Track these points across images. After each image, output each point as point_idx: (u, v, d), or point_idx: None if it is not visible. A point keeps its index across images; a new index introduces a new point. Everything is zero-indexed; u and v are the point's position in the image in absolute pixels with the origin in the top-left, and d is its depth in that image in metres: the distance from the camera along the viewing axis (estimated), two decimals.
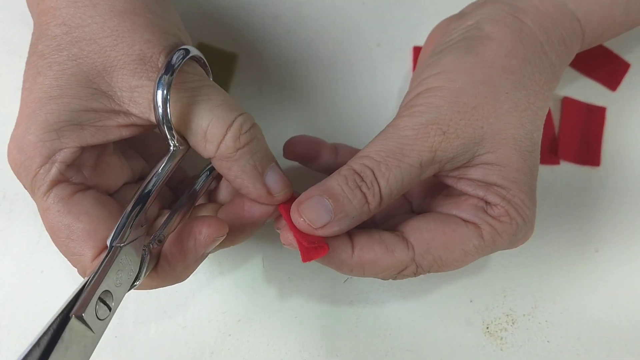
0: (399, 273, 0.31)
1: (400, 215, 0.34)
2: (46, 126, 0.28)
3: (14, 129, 0.29)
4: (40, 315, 0.37)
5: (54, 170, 0.28)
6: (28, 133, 0.28)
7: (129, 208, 0.29)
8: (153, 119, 0.29)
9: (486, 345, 0.38)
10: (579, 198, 0.41)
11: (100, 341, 0.36)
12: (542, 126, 0.33)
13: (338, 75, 0.43)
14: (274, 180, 0.31)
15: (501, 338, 0.38)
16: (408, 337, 0.38)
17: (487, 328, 0.38)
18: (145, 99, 0.29)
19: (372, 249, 0.30)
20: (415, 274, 0.31)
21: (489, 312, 0.38)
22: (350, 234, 0.31)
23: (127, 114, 0.29)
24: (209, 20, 0.44)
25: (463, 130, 0.30)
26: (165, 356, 0.36)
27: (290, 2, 0.44)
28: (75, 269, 0.30)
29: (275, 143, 0.41)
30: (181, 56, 0.29)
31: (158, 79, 0.28)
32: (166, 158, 0.29)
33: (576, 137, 0.42)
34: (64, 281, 0.37)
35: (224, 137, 0.29)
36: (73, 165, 0.29)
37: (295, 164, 0.37)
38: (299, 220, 0.29)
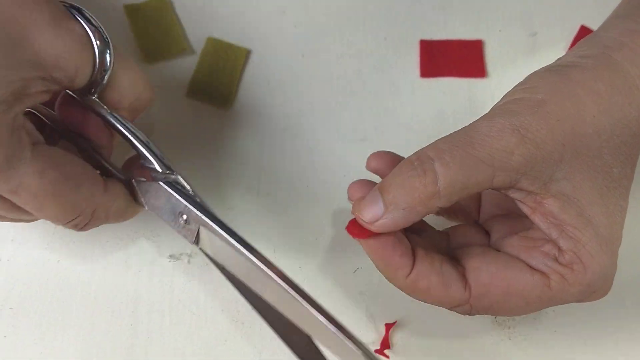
0: (451, 308, 0.30)
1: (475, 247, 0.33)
2: None
3: None
4: (56, 304, 0.37)
5: (23, 135, 0.27)
6: None
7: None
8: (79, 83, 0.30)
9: (494, 335, 0.38)
10: None
11: (116, 330, 0.37)
12: (627, 164, 0.30)
13: (345, 69, 0.43)
14: None
15: (509, 327, 0.38)
16: (417, 327, 0.38)
17: (496, 318, 0.38)
18: (73, 65, 0.29)
19: (429, 278, 0.29)
20: (470, 313, 0.30)
21: None
22: (415, 254, 0.30)
23: (50, 80, 0.28)
24: (217, 15, 0.44)
25: (543, 141, 0.28)
26: (180, 344, 0.37)
27: None
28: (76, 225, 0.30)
29: (283, 137, 0.42)
30: (90, 16, 0.30)
31: (104, 48, 0.30)
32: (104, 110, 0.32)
33: None
34: (78, 271, 0.38)
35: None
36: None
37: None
38: (356, 216, 0.30)
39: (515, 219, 0.34)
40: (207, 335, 0.37)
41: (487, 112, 0.31)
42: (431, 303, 0.31)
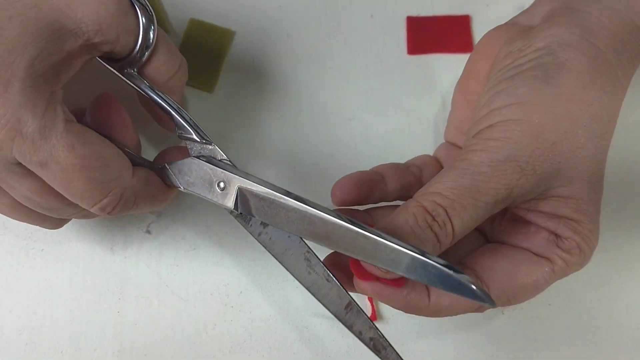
0: (475, 311, 0.31)
1: (467, 242, 0.34)
2: (33, 72, 0.27)
3: None
4: (42, 293, 0.37)
5: (59, 109, 0.28)
6: (12, 85, 0.26)
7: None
8: (120, 51, 0.30)
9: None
10: None
11: (103, 317, 0.36)
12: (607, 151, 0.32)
13: (332, 48, 0.43)
14: None
15: None
16: None
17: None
18: (115, 30, 0.29)
19: (449, 295, 0.30)
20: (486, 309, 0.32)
21: None
22: None
23: (91, 46, 0.29)
24: None
25: (540, 167, 0.29)
26: (168, 329, 0.37)
27: None
28: (101, 208, 0.30)
29: (269, 117, 0.41)
30: None
31: (149, 24, 0.30)
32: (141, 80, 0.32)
33: None
34: (63, 259, 0.38)
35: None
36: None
37: None
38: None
39: None
40: (196, 320, 0.37)
41: (476, 128, 0.31)
42: (456, 314, 0.31)
